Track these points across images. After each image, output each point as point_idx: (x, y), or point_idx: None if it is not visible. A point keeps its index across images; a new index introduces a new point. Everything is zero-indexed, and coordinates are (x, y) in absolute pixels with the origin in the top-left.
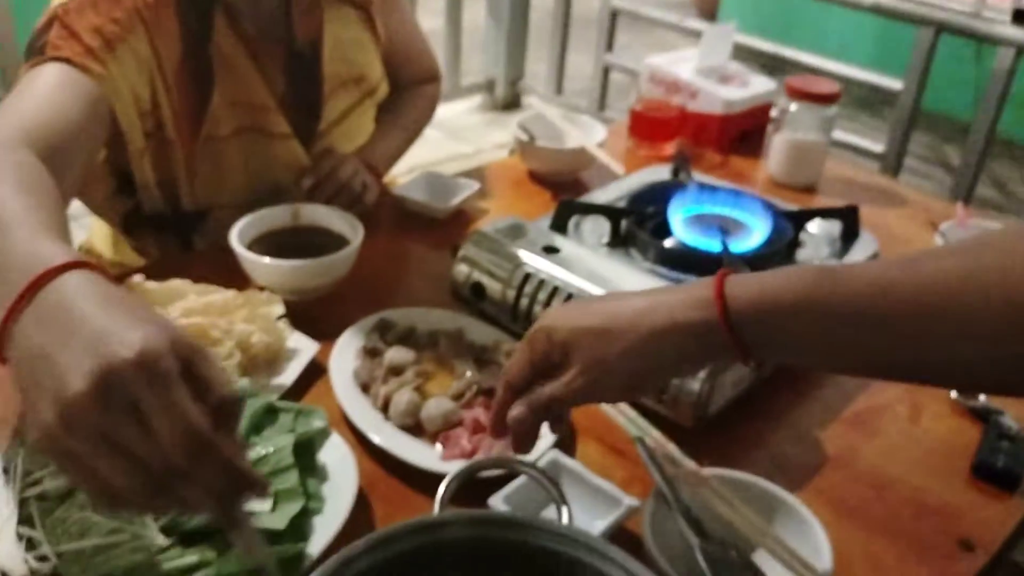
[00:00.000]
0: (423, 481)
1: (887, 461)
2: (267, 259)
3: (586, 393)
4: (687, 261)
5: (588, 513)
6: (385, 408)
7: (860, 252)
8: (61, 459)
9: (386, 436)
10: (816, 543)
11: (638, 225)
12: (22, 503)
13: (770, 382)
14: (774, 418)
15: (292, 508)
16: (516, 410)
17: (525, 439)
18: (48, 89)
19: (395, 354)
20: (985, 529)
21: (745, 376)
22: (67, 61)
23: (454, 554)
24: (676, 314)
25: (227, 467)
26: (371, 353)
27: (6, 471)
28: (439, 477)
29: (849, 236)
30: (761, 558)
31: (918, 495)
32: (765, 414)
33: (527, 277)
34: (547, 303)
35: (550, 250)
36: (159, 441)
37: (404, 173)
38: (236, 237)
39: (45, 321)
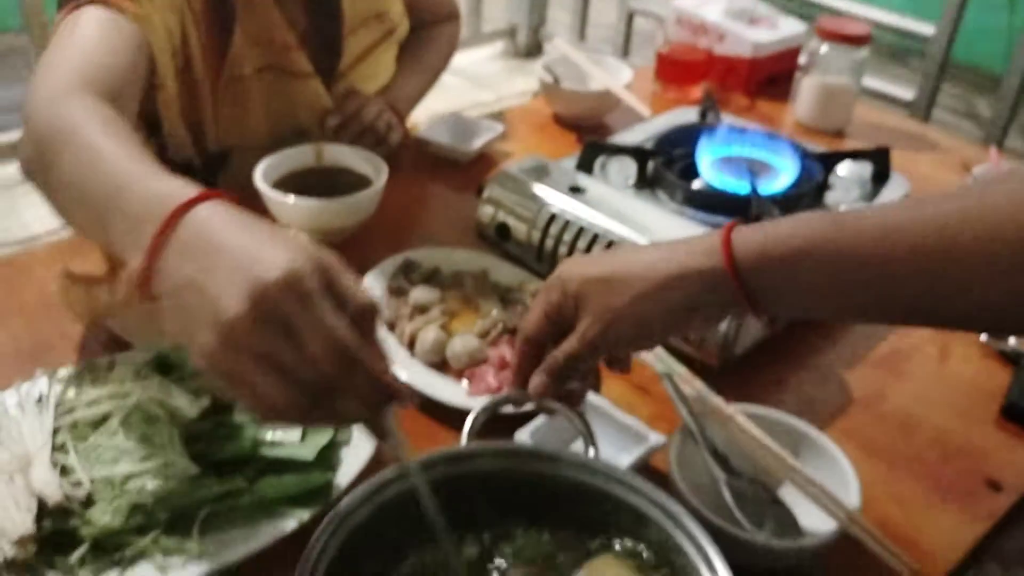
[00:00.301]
0: (449, 417)
1: (914, 403)
2: (292, 198)
3: (598, 344)
4: (715, 203)
5: (614, 449)
6: (411, 345)
7: (891, 194)
8: (223, 379)
9: (413, 372)
10: (844, 479)
11: (665, 166)
12: (56, 431)
13: (797, 324)
14: (800, 360)
15: (321, 440)
16: (536, 380)
17: (550, 405)
18: (94, 33)
19: (420, 293)
20: (1013, 470)
21: (773, 316)
22: (104, 4)
23: (482, 485)
24: (685, 262)
25: (374, 377)
26: (396, 292)
27: (39, 401)
28: (465, 413)
29: (880, 178)
30: (788, 493)
31: (945, 436)
32: (791, 356)
33: (552, 218)
34: (572, 244)
35: (576, 190)
36: (311, 356)
37: (426, 123)
38: (260, 177)
39: (188, 253)
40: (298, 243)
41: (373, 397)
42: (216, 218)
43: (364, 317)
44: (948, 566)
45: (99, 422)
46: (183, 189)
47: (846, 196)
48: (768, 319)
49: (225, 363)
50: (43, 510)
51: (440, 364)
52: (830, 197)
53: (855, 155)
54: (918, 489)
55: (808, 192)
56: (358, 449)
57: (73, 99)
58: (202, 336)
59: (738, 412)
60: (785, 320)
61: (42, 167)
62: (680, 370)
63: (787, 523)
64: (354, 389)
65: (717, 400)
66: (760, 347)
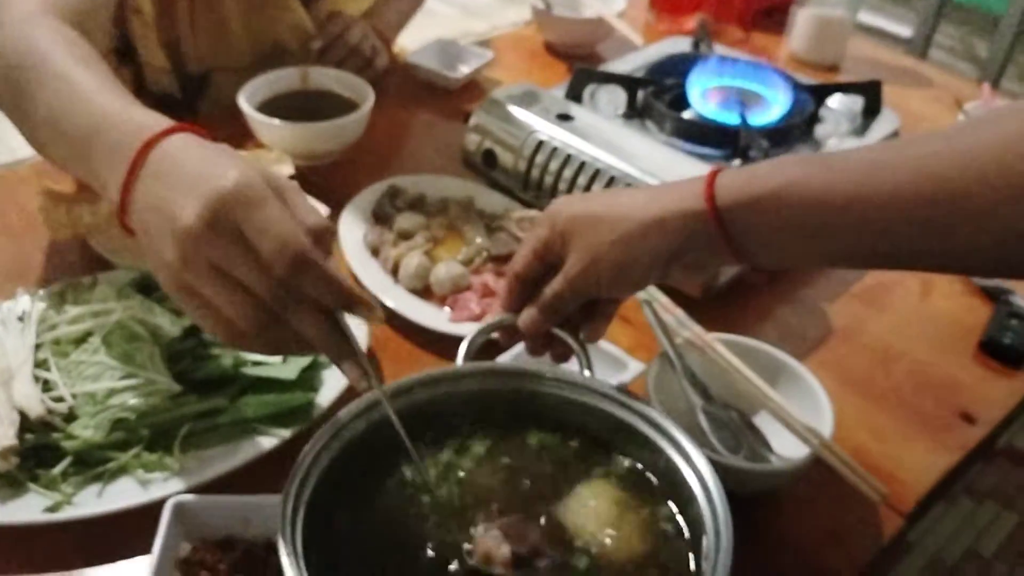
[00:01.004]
0: (431, 343)
1: (894, 336)
2: (277, 121)
3: (580, 283)
4: (704, 133)
5: (595, 376)
6: (395, 271)
7: (881, 128)
8: (184, 297)
9: (396, 298)
10: (819, 407)
11: (656, 96)
12: (37, 348)
13: None
14: (782, 291)
15: (302, 361)
16: (526, 314)
17: (539, 343)
18: None
19: (405, 219)
20: (988, 404)
21: None
22: None
23: (469, 405)
24: (669, 206)
25: (329, 280)
26: (381, 218)
27: (21, 319)
28: (447, 339)
29: (871, 112)
30: (763, 421)
31: (923, 369)
32: (773, 287)
33: (539, 145)
34: (559, 172)
35: (564, 118)
36: (265, 263)
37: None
38: (245, 99)
39: (156, 179)
40: (256, 164)
41: (331, 300)
42: (183, 147)
43: (318, 236)
44: (919, 495)
45: (81, 339)
46: (157, 122)
47: (836, 129)
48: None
49: (184, 277)
50: (25, 424)
51: (423, 291)
52: (820, 130)
53: (846, 88)
54: (893, 420)
55: (798, 124)
56: (336, 375)
57: (38, 23)
58: (163, 252)
59: (717, 340)
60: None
61: (10, 94)
62: (661, 298)
63: (762, 449)
64: (308, 294)
65: (696, 328)
66: (743, 279)
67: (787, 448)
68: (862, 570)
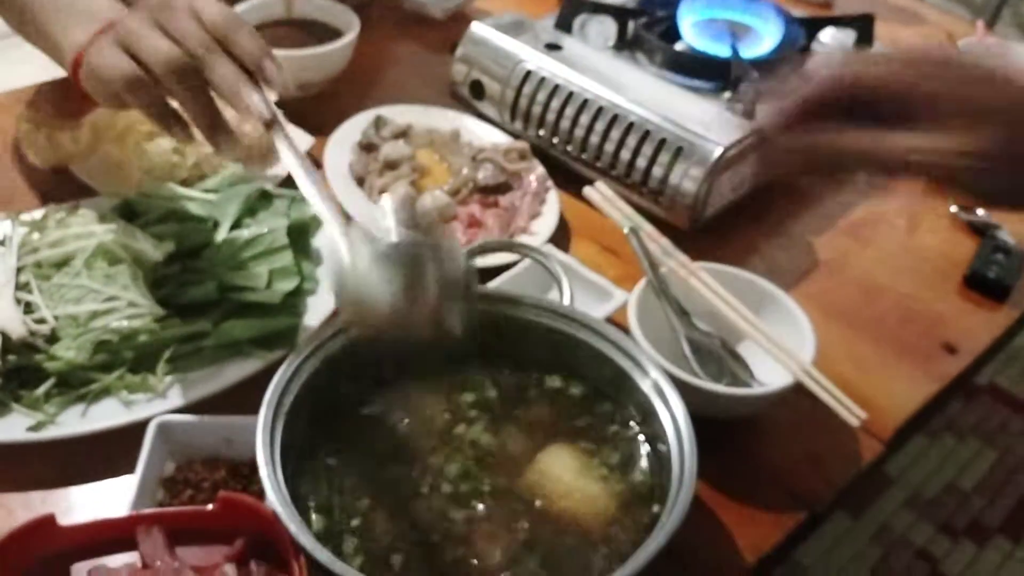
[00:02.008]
0: None
1: (879, 269)
2: None
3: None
4: (695, 66)
5: (580, 305)
6: None
7: None
8: (123, 44)
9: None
10: (802, 335)
11: (646, 28)
12: (19, 271)
13: (768, 190)
14: (769, 224)
15: (287, 285)
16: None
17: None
18: None
19: (391, 148)
20: (970, 336)
21: (745, 181)
22: None
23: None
24: None
25: (250, 39)
26: (367, 148)
27: (1, 242)
28: None
29: (862, 46)
30: (747, 349)
31: (907, 301)
32: (761, 220)
33: (528, 75)
34: (547, 102)
35: (553, 48)
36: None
37: None
38: None
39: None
40: None
41: (248, 57)
42: None
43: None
44: (898, 423)
45: (62, 263)
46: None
47: None
48: (738, 183)
49: (122, 29)
50: (7, 345)
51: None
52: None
53: (839, 21)
54: (875, 350)
55: (790, 57)
56: (325, 298)
57: None
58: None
59: (702, 269)
60: (753, 185)
61: None
62: (647, 227)
63: (744, 376)
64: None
65: (682, 257)
66: (730, 210)
67: (770, 376)
68: (840, 493)
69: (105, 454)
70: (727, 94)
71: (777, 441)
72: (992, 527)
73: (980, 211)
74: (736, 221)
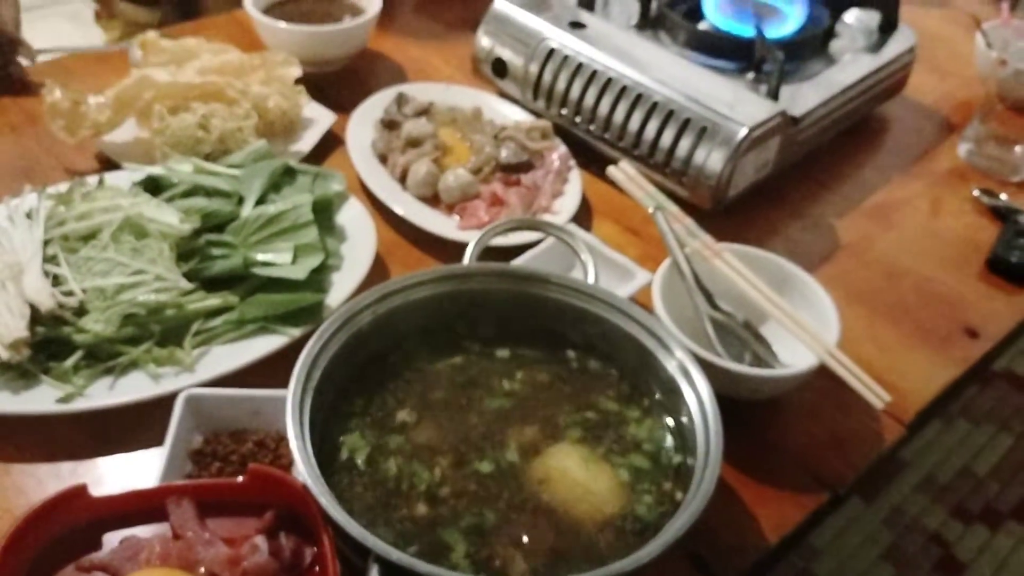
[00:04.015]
0: (439, 250)
1: (901, 252)
2: (283, 24)
3: None
4: (719, 46)
5: (603, 285)
6: (403, 178)
7: (897, 45)
8: None
9: (404, 204)
10: (825, 317)
11: (670, 6)
12: (47, 244)
13: (792, 171)
14: (792, 206)
15: (312, 261)
16: None
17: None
18: None
19: (414, 126)
20: (992, 319)
21: (768, 162)
22: None
23: (476, 305)
24: None
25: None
26: (389, 125)
27: (28, 215)
28: (455, 246)
29: (887, 28)
30: (770, 330)
31: (929, 285)
32: (783, 202)
33: (551, 53)
34: (570, 80)
35: (576, 26)
36: None
37: None
38: (251, 2)
39: None
40: None
41: None
42: None
43: None
44: (920, 406)
45: (89, 236)
46: None
47: (851, 44)
48: (761, 164)
49: None
50: (36, 317)
51: (432, 198)
52: (835, 45)
53: (863, 2)
54: (897, 333)
55: (814, 38)
56: (349, 274)
57: None
58: None
59: (726, 249)
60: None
61: None
62: (671, 207)
63: (768, 357)
64: None
65: (706, 237)
66: (753, 192)
67: (794, 357)
68: (861, 475)
69: (133, 426)
70: (750, 74)
71: (800, 422)
72: (1005, 512)
73: (1003, 195)
74: (758, 202)
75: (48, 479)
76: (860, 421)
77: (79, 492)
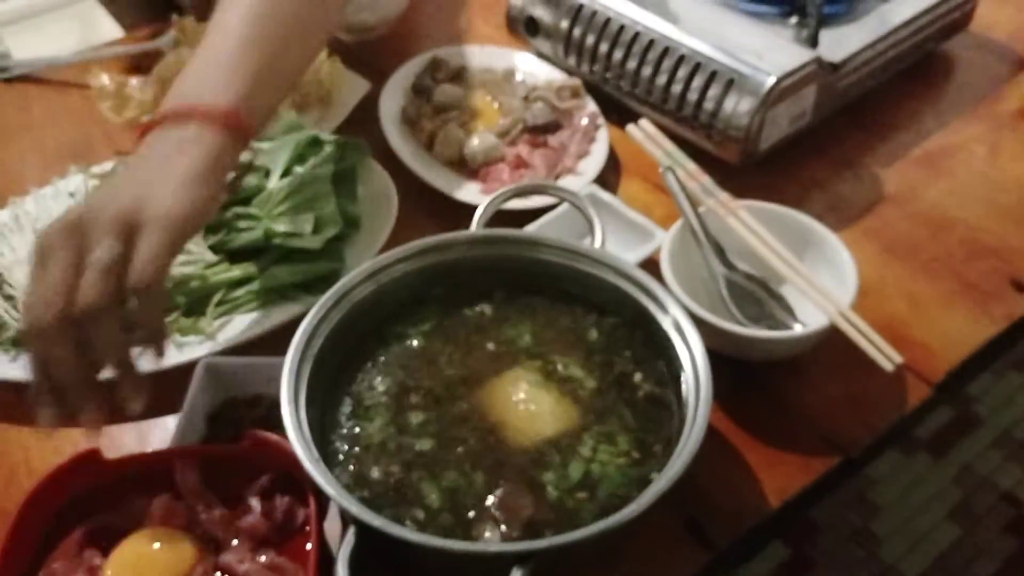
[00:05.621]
0: (463, 217)
1: (950, 200)
2: None
3: None
4: None
5: (622, 246)
6: (430, 144)
7: None
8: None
9: (430, 170)
10: (844, 275)
11: None
12: None
13: (836, 119)
14: (834, 157)
15: (328, 232)
16: None
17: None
18: None
19: (442, 92)
20: None
21: (806, 112)
22: None
23: (480, 271)
24: None
25: (108, 337)
26: (420, 91)
27: (72, 195)
28: None
29: None
30: (789, 289)
31: (976, 235)
32: (825, 153)
33: (580, 8)
34: (599, 35)
35: None
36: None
37: None
38: None
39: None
40: (153, 198)
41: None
42: (162, 143)
43: (136, 288)
44: (952, 364)
45: None
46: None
47: None
48: (797, 114)
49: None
50: None
51: (459, 163)
52: None
53: None
54: (935, 288)
55: None
56: (370, 241)
57: None
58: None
59: (742, 208)
60: (817, 116)
61: None
62: (689, 165)
63: (786, 318)
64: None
65: (723, 195)
66: (790, 143)
67: (813, 316)
68: (881, 437)
69: (154, 392)
70: (793, 19)
71: (815, 383)
72: None
73: None
74: (795, 155)
75: (65, 445)
76: (884, 382)
77: (93, 455)
